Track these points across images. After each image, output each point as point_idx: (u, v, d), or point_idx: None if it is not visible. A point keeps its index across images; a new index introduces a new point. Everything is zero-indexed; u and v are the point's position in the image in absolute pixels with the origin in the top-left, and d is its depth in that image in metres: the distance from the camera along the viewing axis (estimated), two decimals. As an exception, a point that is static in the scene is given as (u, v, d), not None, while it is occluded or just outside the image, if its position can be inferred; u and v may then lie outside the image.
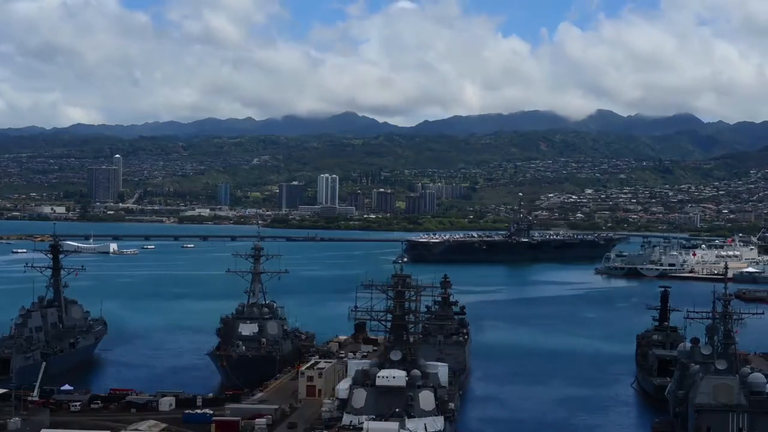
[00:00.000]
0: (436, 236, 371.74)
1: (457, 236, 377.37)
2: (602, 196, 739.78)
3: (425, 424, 66.85)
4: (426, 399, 68.72)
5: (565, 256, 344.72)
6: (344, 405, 69.28)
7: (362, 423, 64.46)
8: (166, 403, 77.98)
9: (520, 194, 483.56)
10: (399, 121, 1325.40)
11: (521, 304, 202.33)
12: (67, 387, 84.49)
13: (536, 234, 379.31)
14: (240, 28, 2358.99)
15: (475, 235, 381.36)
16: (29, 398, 76.05)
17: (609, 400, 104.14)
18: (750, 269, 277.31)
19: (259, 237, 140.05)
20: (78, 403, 77.30)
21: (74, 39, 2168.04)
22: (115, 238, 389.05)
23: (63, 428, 66.92)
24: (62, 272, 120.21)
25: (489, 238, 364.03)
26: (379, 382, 68.84)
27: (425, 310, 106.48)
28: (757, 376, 76.06)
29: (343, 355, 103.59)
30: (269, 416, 71.80)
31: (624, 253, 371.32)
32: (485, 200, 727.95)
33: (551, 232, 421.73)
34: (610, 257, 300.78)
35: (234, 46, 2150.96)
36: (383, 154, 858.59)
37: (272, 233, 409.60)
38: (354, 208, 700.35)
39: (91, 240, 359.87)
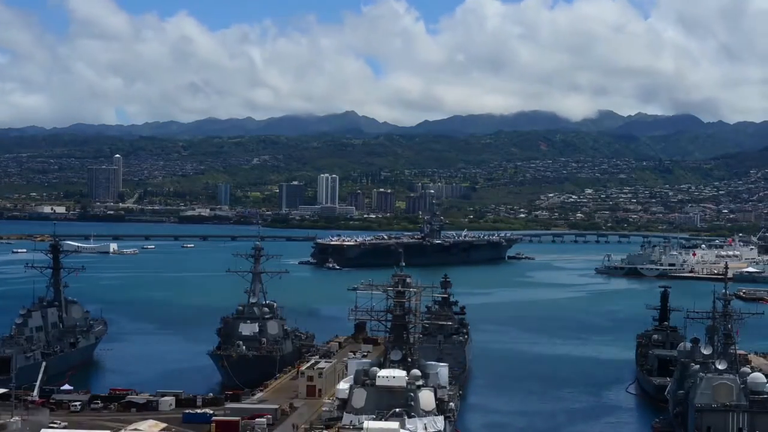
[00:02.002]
0: (350, 238, 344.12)
1: (369, 238, 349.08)
2: (602, 196, 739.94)
3: (425, 424, 66.80)
4: (426, 399, 68.67)
5: (470, 258, 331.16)
6: (344, 405, 69.27)
7: (362, 423, 64.43)
8: (166, 403, 77.96)
9: (432, 191, 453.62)
10: (399, 121, 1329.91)
11: (520, 306, 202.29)
12: (67, 387, 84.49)
13: (443, 234, 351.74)
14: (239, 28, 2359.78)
15: (385, 236, 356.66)
16: (29, 398, 76.01)
17: (609, 399, 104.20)
18: (750, 269, 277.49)
19: (259, 237, 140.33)
20: (78, 403, 77.30)
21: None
22: (115, 238, 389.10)
23: (63, 428, 66.90)
24: (62, 272, 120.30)
25: (400, 240, 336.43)
26: (379, 382, 68.78)
27: (425, 310, 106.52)
28: (757, 376, 76.15)
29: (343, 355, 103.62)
30: (269, 416, 71.81)
31: (523, 255, 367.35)
32: (485, 200, 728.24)
33: (453, 233, 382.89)
34: (610, 256, 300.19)
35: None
36: (383, 154, 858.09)
37: (272, 233, 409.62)
38: (354, 208, 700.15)
39: (91, 240, 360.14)
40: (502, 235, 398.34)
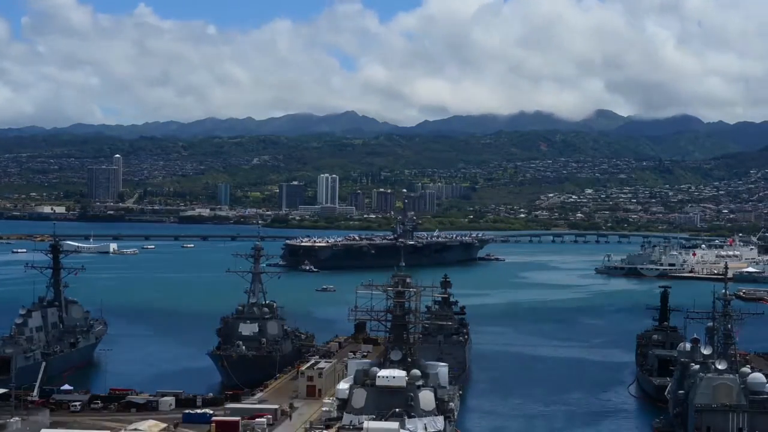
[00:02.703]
0: (321, 239, 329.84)
1: (339, 239, 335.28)
2: (602, 196, 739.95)
3: (425, 424, 66.81)
4: (426, 399, 68.67)
5: (443, 259, 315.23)
6: (344, 405, 69.28)
7: (362, 423, 64.45)
8: (166, 403, 77.94)
9: (404, 190, 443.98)
10: (399, 121, 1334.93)
11: (518, 306, 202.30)
12: (67, 387, 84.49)
13: (415, 235, 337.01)
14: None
15: (357, 237, 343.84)
16: (29, 398, 75.99)
17: (609, 399, 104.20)
18: (750, 269, 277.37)
19: (259, 237, 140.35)
20: (78, 403, 77.28)
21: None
22: (115, 238, 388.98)
23: (63, 428, 66.88)
24: (62, 272, 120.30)
25: (373, 242, 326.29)
26: (379, 382, 68.76)
27: (425, 310, 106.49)
28: (757, 376, 76.11)
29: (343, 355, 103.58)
30: (269, 416, 71.80)
31: (493, 256, 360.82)
32: (485, 200, 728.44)
33: (425, 234, 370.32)
34: (610, 256, 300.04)
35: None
36: (383, 154, 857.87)
37: (272, 233, 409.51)
38: (354, 208, 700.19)
39: (91, 240, 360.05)
40: (474, 235, 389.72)
